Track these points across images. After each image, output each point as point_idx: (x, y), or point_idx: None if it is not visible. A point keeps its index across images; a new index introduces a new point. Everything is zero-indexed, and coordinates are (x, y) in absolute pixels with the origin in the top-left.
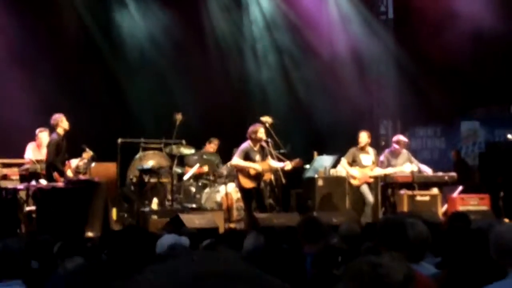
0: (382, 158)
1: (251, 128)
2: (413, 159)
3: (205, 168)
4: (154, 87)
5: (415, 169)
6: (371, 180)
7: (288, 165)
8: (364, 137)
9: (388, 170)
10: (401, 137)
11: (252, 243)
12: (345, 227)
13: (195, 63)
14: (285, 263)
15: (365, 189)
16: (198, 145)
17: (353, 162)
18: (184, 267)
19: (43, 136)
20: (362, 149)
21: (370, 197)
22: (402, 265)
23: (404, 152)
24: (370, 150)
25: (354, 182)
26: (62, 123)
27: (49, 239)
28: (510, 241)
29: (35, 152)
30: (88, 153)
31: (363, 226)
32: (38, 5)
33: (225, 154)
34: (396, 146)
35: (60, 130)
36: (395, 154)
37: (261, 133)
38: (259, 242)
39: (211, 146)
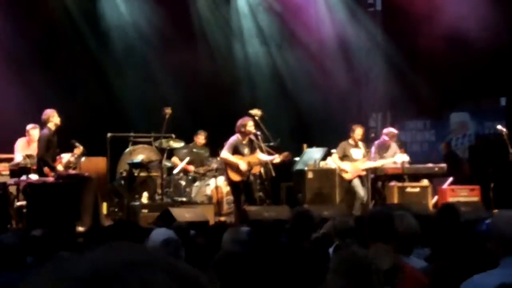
0: (373, 150)
1: (239, 121)
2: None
3: (191, 167)
4: (143, 81)
5: (407, 159)
6: (364, 173)
7: (276, 158)
8: (360, 132)
9: (380, 162)
10: (391, 129)
11: (230, 239)
12: (338, 221)
13: (183, 56)
14: (283, 258)
15: (356, 183)
16: (188, 139)
17: (344, 157)
18: (96, 259)
19: (35, 133)
20: (355, 143)
21: (361, 191)
22: (389, 255)
23: (394, 144)
24: (360, 143)
25: (346, 175)
26: (53, 118)
27: (45, 234)
28: (508, 231)
29: (25, 148)
30: (79, 149)
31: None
32: (29, 3)
33: (214, 147)
34: (386, 138)
35: (51, 125)
36: (385, 146)
37: (250, 126)
38: (238, 237)
39: (199, 138)
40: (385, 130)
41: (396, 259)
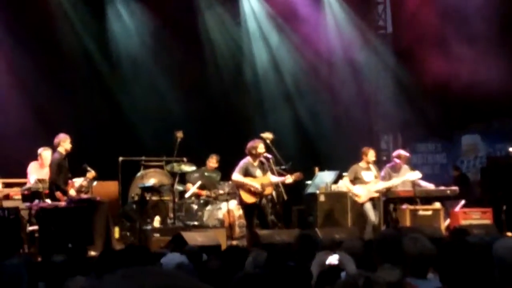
0: (383, 173)
1: (250, 144)
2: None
3: (204, 192)
4: (154, 104)
5: (419, 176)
6: (377, 195)
7: (288, 179)
8: (372, 154)
9: (392, 182)
10: (402, 152)
11: (252, 262)
12: (348, 244)
13: (194, 79)
14: (291, 281)
15: (368, 206)
16: (199, 162)
17: (356, 179)
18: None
19: (46, 154)
20: (367, 166)
21: (372, 216)
22: (394, 277)
23: (405, 167)
24: (372, 166)
25: (359, 200)
26: (64, 143)
27: (56, 260)
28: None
29: (38, 171)
30: (91, 173)
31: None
32: (37, 26)
33: (225, 170)
34: (397, 160)
35: (61, 150)
36: (396, 169)
37: (261, 149)
38: (260, 260)
39: (211, 162)
40: (395, 153)
41: (402, 280)
